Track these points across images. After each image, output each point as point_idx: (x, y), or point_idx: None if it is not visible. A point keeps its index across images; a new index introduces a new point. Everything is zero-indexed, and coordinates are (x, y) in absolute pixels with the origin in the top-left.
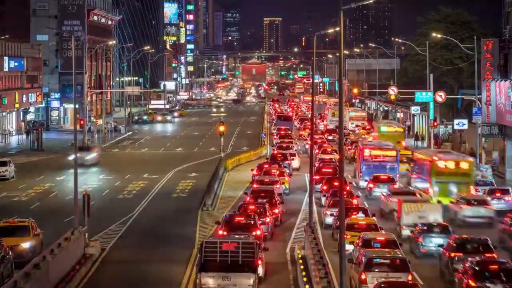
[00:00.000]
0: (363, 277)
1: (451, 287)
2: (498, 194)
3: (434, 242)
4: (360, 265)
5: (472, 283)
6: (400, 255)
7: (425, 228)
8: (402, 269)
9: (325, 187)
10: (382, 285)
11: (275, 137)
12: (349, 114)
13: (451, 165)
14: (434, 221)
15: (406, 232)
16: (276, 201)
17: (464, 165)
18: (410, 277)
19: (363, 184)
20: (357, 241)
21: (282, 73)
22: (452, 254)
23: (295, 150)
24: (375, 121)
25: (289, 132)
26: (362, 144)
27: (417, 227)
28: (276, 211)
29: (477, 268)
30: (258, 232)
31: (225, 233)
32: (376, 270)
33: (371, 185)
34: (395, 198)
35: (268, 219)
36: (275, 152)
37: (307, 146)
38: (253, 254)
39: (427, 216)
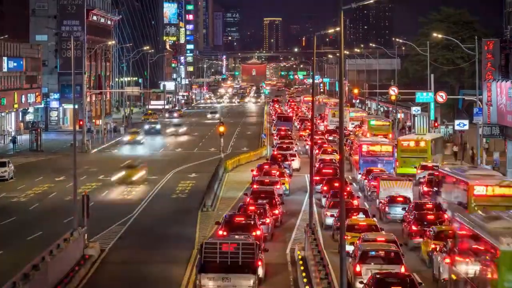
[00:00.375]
0: (357, 269)
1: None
2: None
3: (397, 210)
4: (355, 257)
5: (414, 228)
6: (394, 248)
7: (390, 200)
8: (396, 262)
9: (325, 188)
10: (377, 276)
11: (275, 137)
12: (349, 114)
13: (412, 144)
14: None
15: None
16: (276, 201)
17: (422, 144)
18: (403, 269)
19: (359, 177)
20: (358, 241)
21: (282, 73)
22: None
23: (295, 150)
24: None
25: (289, 132)
26: (359, 140)
27: (384, 200)
28: (276, 212)
29: (417, 218)
30: (258, 233)
31: (225, 233)
32: (371, 262)
33: (363, 177)
34: (375, 182)
35: (268, 220)
36: (275, 152)
37: (307, 147)
38: (253, 255)
39: (400, 192)
